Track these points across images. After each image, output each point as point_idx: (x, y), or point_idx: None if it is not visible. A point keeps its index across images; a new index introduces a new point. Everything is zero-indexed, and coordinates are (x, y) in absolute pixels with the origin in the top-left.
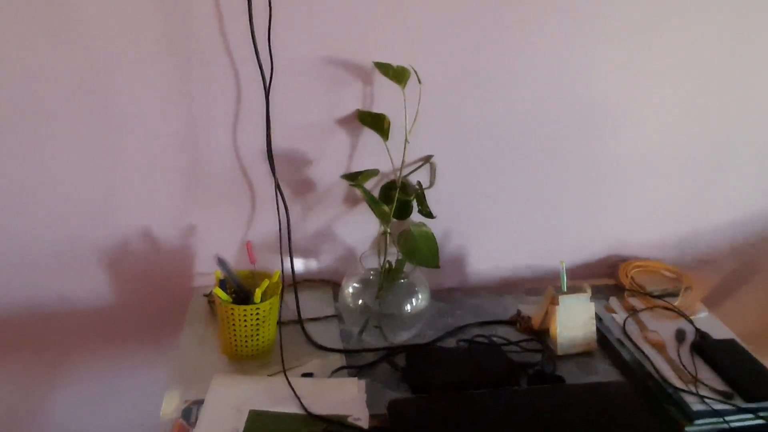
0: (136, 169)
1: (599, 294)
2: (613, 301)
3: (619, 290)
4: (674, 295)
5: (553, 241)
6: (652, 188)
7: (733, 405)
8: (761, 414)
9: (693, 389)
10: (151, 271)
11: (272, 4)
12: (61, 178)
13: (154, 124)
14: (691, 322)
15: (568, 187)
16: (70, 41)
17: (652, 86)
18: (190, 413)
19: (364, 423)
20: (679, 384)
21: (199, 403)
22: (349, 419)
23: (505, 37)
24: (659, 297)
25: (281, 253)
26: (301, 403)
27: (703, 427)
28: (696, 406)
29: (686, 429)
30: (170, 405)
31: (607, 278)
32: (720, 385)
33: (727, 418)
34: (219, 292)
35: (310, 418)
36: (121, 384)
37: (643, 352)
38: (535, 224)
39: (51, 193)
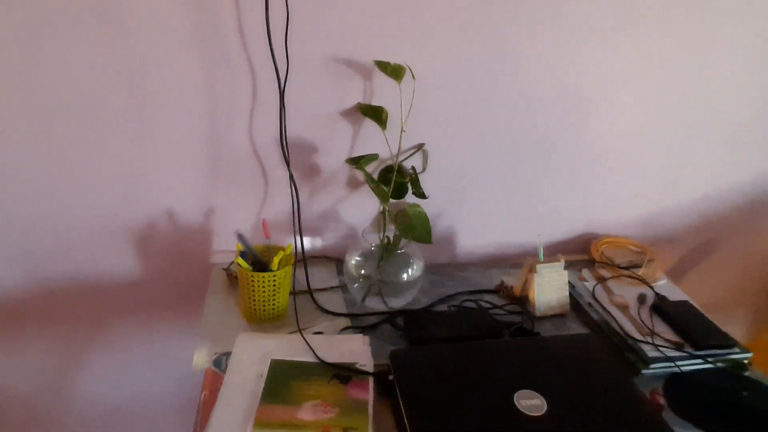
0: (163, 156)
1: (574, 266)
2: (585, 272)
3: (592, 264)
4: (639, 266)
5: (534, 221)
6: (624, 172)
7: (685, 352)
8: (709, 359)
9: (650, 340)
10: (176, 248)
11: (289, 11)
12: (99, 163)
13: (181, 115)
14: (651, 287)
15: (548, 171)
16: (114, 38)
17: (625, 76)
18: (220, 363)
19: (370, 368)
20: (638, 336)
21: (227, 354)
22: (357, 365)
23: (491, 35)
24: (625, 268)
25: (294, 231)
26: (315, 353)
27: (657, 371)
28: (651, 353)
29: (642, 372)
30: (201, 357)
31: (582, 254)
32: (673, 337)
33: (679, 363)
34: (240, 261)
35: (324, 365)
36: (150, 350)
37: (609, 312)
38: (518, 205)
39: (89, 176)
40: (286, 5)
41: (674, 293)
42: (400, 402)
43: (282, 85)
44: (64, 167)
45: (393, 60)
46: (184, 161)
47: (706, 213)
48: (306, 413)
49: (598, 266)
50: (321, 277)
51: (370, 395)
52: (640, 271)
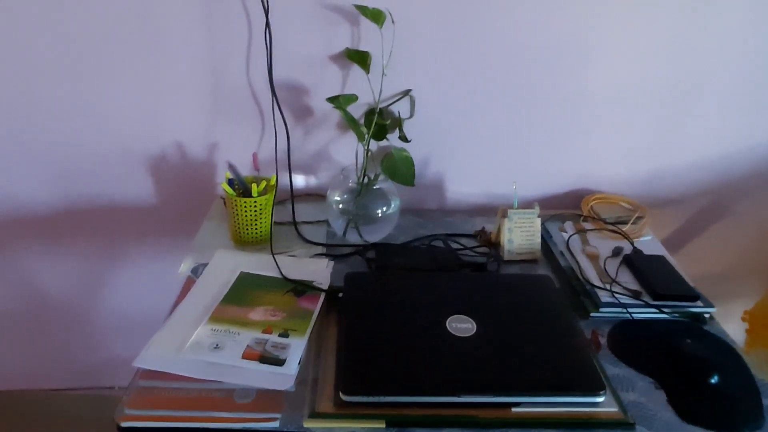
0: (172, 94)
1: (563, 219)
2: (568, 224)
3: (579, 217)
4: (627, 223)
5: (526, 172)
6: (620, 126)
7: (641, 301)
8: (665, 310)
9: (608, 287)
10: (182, 178)
11: None
12: (114, 100)
13: (186, 57)
14: (631, 242)
15: (539, 120)
16: None
17: (622, 26)
18: (197, 270)
19: (324, 287)
20: (598, 283)
21: (205, 265)
22: (314, 283)
23: None
24: (611, 223)
25: (276, 165)
26: (279, 269)
27: (608, 316)
28: (605, 298)
29: (592, 314)
30: (186, 266)
31: (575, 209)
32: (635, 287)
33: (632, 311)
34: (226, 187)
35: (285, 280)
36: (157, 266)
37: (576, 260)
38: (508, 155)
39: (111, 108)
40: None
41: (655, 249)
42: (341, 316)
43: (267, 28)
44: (90, 99)
45: (377, 5)
46: (189, 99)
47: (711, 175)
48: (256, 315)
49: (583, 220)
50: (309, 211)
51: (317, 307)
52: (626, 228)
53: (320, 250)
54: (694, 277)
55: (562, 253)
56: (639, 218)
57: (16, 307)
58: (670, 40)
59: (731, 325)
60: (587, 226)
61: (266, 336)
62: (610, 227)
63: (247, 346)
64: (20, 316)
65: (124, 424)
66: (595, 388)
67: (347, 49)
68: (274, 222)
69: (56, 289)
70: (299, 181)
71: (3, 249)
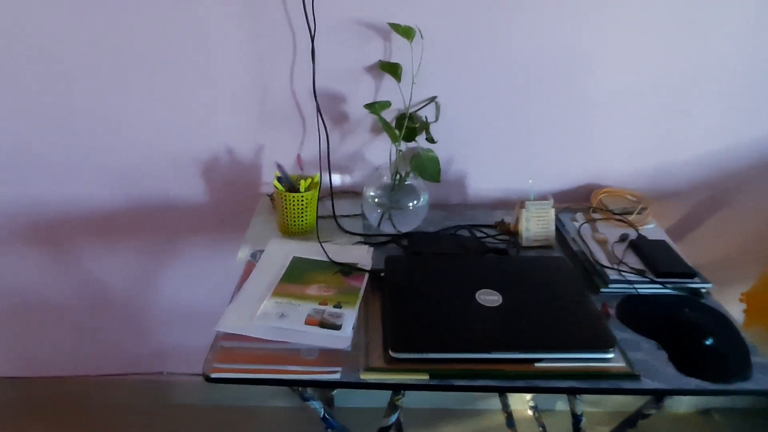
0: (224, 103)
1: (575, 211)
2: (579, 215)
3: (589, 209)
4: (632, 213)
5: (540, 170)
6: (625, 125)
7: (646, 278)
8: (667, 286)
9: (616, 267)
10: (232, 178)
11: None
12: (173, 110)
13: (237, 71)
14: (636, 229)
15: (551, 123)
16: (181, 5)
17: (623, 34)
18: (255, 256)
19: (367, 268)
20: (606, 263)
21: (261, 251)
22: (358, 265)
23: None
24: (618, 214)
25: (320, 167)
26: (326, 254)
27: (617, 291)
28: (613, 276)
29: (602, 290)
30: (244, 253)
31: (585, 202)
32: (639, 267)
33: (637, 287)
34: (276, 184)
35: (332, 263)
36: (207, 261)
37: (587, 245)
38: (524, 154)
39: (166, 117)
40: None
41: (657, 235)
42: (385, 291)
43: (312, 45)
44: (151, 110)
45: (405, 23)
46: (239, 108)
47: (711, 169)
48: (312, 290)
49: (592, 211)
50: (347, 207)
51: (363, 284)
52: (631, 217)
53: (359, 239)
54: (696, 263)
55: (574, 239)
56: (643, 209)
57: (75, 299)
58: (668, 44)
59: (730, 306)
60: (596, 216)
61: (323, 307)
62: (617, 217)
63: (308, 314)
64: (79, 308)
65: (213, 375)
66: (605, 346)
67: (380, 61)
68: (317, 216)
69: (113, 283)
70: (336, 179)
71: (67, 245)
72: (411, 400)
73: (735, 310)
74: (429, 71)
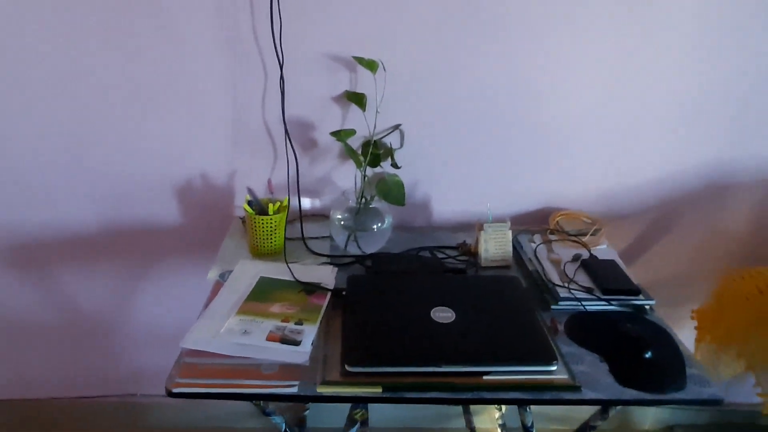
0: (199, 130)
1: (534, 233)
2: (537, 236)
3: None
4: (586, 234)
5: (502, 193)
6: (581, 151)
7: (593, 296)
8: (613, 303)
9: (566, 285)
10: (207, 202)
11: (282, 21)
12: (150, 138)
13: (212, 100)
14: (589, 250)
15: (513, 149)
16: (164, 42)
17: (578, 65)
18: (224, 276)
19: (330, 287)
20: (558, 282)
21: (230, 272)
22: (322, 284)
23: (456, 34)
24: (574, 235)
25: (289, 190)
26: (292, 273)
27: (566, 308)
28: (563, 294)
29: (552, 307)
30: (214, 273)
31: (544, 224)
32: (588, 285)
33: (585, 303)
34: (247, 207)
35: (297, 282)
36: (181, 282)
37: (541, 265)
38: (486, 179)
39: (144, 143)
40: (279, 15)
41: (609, 255)
42: (346, 308)
43: (281, 75)
44: (130, 137)
45: (370, 56)
46: (213, 135)
47: (662, 194)
48: (275, 308)
49: (549, 232)
50: (316, 229)
51: (325, 302)
52: (585, 238)
53: (326, 260)
54: (647, 282)
55: (530, 259)
56: (597, 230)
57: (49, 321)
58: (618, 75)
59: (682, 322)
60: (553, 237)
61: (285, 324)
62: (572, 238)
63: (270, 331)
64: (53, 330)
65: (175, 390)
66: (548, 359)
67: (346, 91)
68: (286, 238)
69: (88, 305)
70: (306, 203)
71: (43, 268)
72: (378, 418)
73: (688, 326)
74: (392, 101)
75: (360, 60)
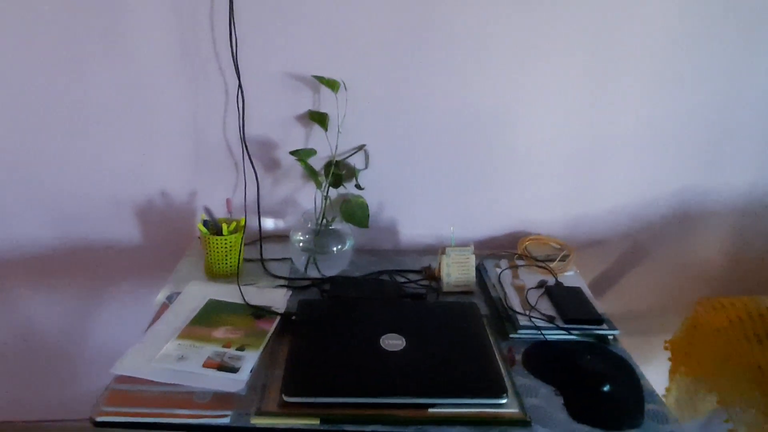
0: (160, 149)
1: (501, 258)
2: (503, 262)
3: (514, 256)
4: (554, 260)
5: (469, 217)
6: (548, 177)
7: (554, 324)
8: (574, 333)
9: (527, 313)
10: (167, 222)
11: (237, 38)
12: (108, 155)
13: (173, 118)
14: (555, 276)
15: (479, 172)
16: (122, 60)
17: (544, 91)
18: (172, 298)
19: (280, 311)
20: (519, 309)
21: (179, 294)
22: (271, 308)
23: (420, 55)
24: (542, 261)
25: (245, 209)
26: (242, 297)
27: (525, 336)
28: (524, 322)
29: (511, 335)
30: (162, 294)
31: (513, 249)
32: (550, 313)
33: (546, 333)
34: (201, 228)
35: (247, 306)
36: (139, 301)
37: (504, 291)
38: (453, 202)
39: (104, 161)
40: (234, 32)
41: (575, 283)
42: (293, 334)
43: (239, 93)
44: (87, 154)
45: (333, 76)
46: (173, 153)
47: (629, 219)
48: (218, 333)
49: (517, 258)
50: (278, 250)
51: (272, 327)
52: (553, 264)
53: (283, 282)
54: (621, 311)
55: (494, 285)
56: (566, 256)
57: (5, 340)
58: (585, 101)
59: (653, 353)
60: (520, 262)
61: (225, 350)
62: (539, 264)
63: (208, 357)
64: (7, 350)
65: (99, 419)
66: (498, 392)
67: (309, 110)
68: (245, 259)
69: (44, 325)
70: (268, 224)
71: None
72: None
73: (661, 356)
74: (355, 121)
75: (321, 79)
